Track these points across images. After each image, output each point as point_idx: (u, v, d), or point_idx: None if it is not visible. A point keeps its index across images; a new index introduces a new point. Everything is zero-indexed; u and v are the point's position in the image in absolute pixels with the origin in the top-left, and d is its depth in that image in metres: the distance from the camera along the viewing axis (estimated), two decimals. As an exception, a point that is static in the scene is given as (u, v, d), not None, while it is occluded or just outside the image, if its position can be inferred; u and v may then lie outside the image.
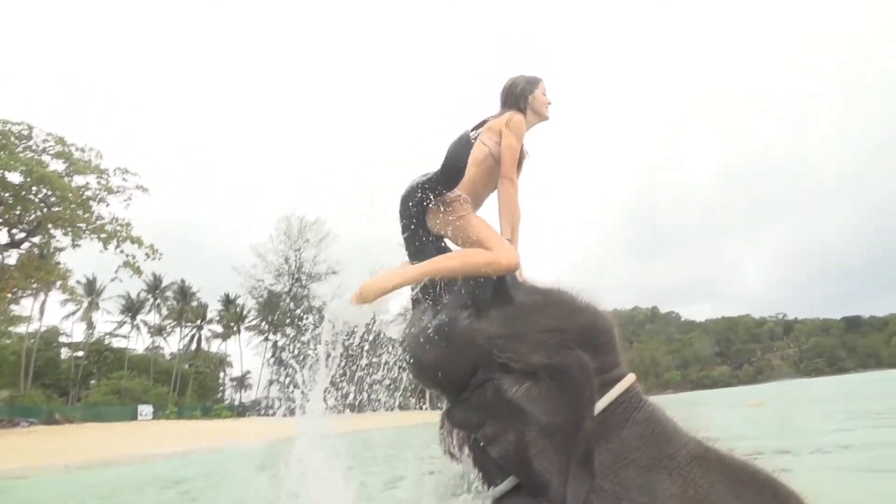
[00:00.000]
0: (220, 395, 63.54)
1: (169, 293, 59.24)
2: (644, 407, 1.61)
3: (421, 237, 2.09)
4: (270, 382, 59.32)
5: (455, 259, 1.92)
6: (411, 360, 1.82)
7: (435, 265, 1.90)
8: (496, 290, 1.77)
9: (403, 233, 2.11)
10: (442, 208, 2.07)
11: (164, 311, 59.82)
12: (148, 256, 27.44)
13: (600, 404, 1.56)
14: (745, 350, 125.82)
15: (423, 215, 2.10)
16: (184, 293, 59.47)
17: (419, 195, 2.05)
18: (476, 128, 2.25)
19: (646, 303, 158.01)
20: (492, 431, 1.62)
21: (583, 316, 1.67)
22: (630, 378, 1.66)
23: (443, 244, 2.12)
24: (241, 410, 53.55)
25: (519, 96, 2.21)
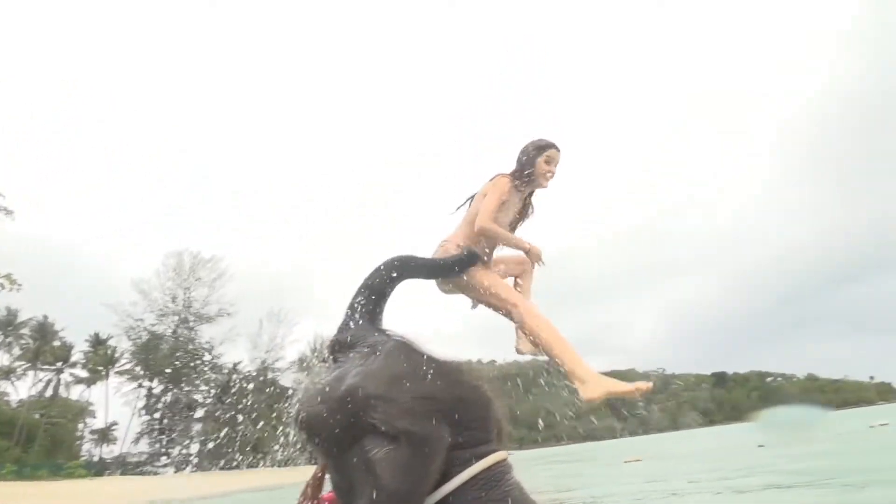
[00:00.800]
0: (76, 450, 55.29)
1: (25, 330, 51.93)
2: (503, 486, 1.61)
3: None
4: (140, 435, 53.06)
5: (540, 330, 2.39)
6: (297, 414, 1.78)
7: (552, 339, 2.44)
8: (388, 352, 1.80)
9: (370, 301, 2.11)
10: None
11: (17, 351, 52.04)
12: (3, 287, 24.07)
13: (459, 478, 1.57)
14: (630, 403, 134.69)
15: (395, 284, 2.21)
16: (43, 331, 52.30)
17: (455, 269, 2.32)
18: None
19: (542, 355, 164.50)
20: (356, 493, 1.59)
21: (459, 388, 1.69)
22: (496, 456, 1.70)
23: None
24: (99, 469, 47.10)
25: (524, 164, 2.50)
